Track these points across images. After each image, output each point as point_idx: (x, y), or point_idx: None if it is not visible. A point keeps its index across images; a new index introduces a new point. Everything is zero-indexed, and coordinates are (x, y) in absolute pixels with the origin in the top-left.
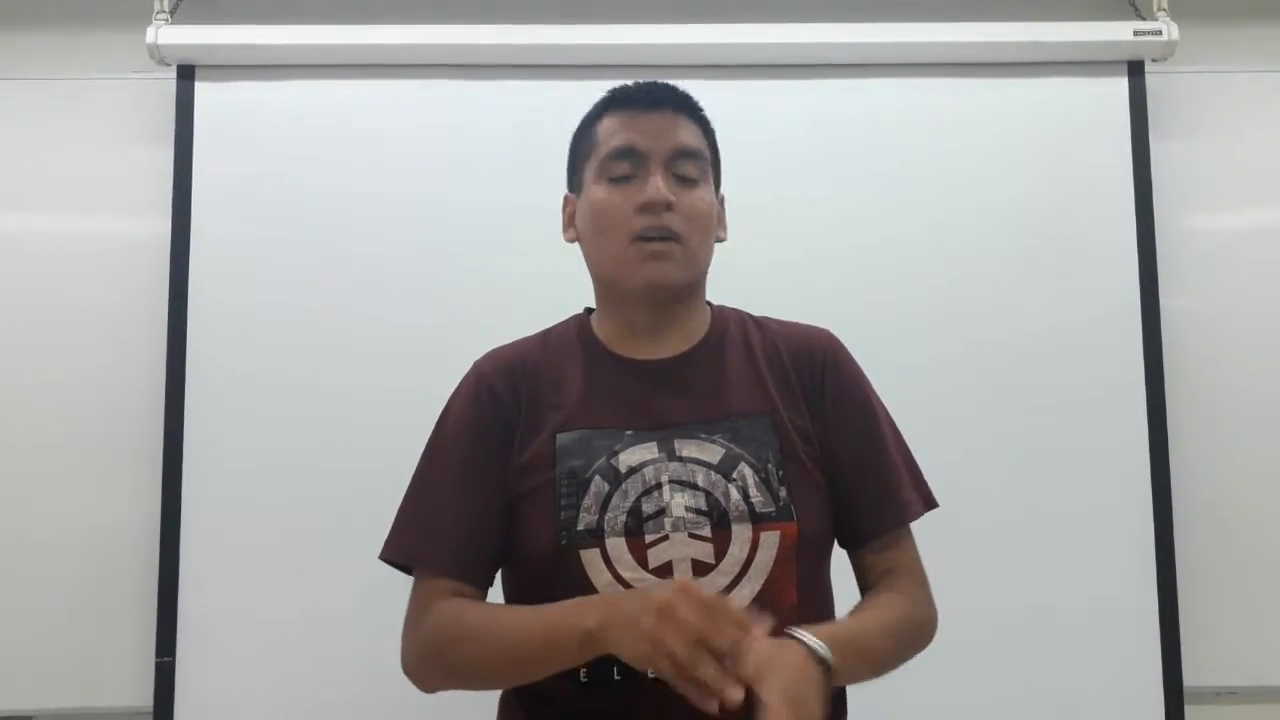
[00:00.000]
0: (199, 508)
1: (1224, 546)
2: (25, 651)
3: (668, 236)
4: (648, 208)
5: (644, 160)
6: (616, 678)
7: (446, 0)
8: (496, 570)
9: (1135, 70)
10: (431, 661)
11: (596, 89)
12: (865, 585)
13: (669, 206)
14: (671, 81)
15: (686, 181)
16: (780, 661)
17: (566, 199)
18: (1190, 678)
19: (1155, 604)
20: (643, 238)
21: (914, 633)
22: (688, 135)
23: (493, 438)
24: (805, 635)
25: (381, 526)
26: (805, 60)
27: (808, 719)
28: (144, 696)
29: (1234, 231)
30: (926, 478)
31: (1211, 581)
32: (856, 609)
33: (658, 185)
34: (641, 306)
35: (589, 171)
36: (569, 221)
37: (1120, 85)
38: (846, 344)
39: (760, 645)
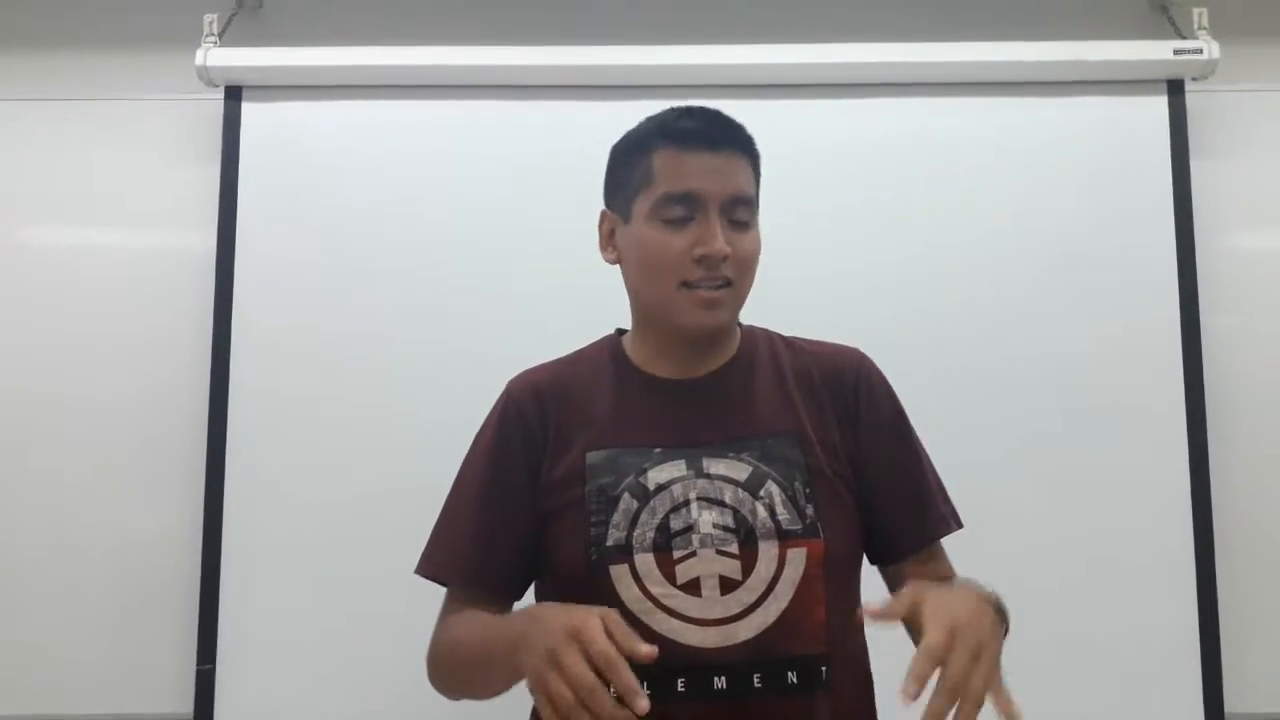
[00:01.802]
0: (241, 517)
1: (1267, 568)
2: (68, 657)
3: (722, 285)
4: (706, 260)
5: (701, 205)
6: (648, 691)
7: (490, 22)
8: (524, 584)
9: (1175, 89)
10: (434, 676)
11: (641, 109)
12: None
13: (726, 258)
14: (728, 103)
15: (740, 225)
16: (947, 599)
17: (604, 215)
18: (1233, 704)
19: (1196, 627)
20: (695, 285)
21: None
22: (744, 180)
23: (517, 458)
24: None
25: (420, 536)
26: (849, 80)
27: (982, 653)
28: (185, 703)
29: (1275, 250)
30: (962, 494)
31: (1254, 605)
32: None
33: (717, 236)
34: (683, 340)
35: (641, 204)
36: (607, 239)
37: (1160, 104)
38: (884, 361)
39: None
